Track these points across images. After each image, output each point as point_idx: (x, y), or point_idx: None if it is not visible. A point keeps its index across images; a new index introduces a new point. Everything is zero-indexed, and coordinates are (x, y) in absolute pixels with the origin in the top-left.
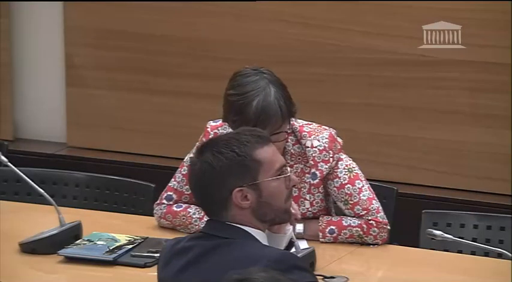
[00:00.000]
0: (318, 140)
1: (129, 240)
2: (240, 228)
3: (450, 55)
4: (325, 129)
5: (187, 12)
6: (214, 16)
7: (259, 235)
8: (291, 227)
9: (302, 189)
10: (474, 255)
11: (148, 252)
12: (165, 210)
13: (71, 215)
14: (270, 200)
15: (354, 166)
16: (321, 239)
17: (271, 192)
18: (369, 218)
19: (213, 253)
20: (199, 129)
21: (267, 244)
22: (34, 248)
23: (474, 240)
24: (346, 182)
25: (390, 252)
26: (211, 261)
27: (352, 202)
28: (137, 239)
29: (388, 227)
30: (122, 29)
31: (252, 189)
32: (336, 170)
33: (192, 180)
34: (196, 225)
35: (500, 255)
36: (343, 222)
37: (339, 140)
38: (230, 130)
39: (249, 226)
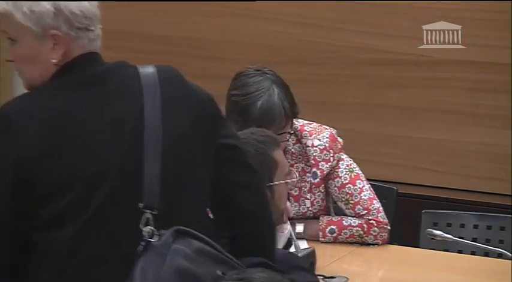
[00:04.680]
0: (319, 140)
1: None
2: None
3: (450, 55)
4: (326, 128)
5: (187, 12)
6: (214, 16)
7: None
8: (288, 226)
9: (303, 188)
10: (474, 255)
11: None
12: None
13: None
14: (278, 202)
15: (355, 166)
16: (321, 239)
17: (280, 194)
18: (370, 217)
19: None
20: None
21: None
22: None
23: (474, 240)
24: (347, 181)
25: (390, 252)
26: None
27: (353, 202)
28: None
29: (389, 227)
30: (121, 29)
31: (267, 190)
32: (337, 170)
33: None
34: None
35: (500, 255)
36: (343, 222)
37: (340, 139)
38: None
39: None
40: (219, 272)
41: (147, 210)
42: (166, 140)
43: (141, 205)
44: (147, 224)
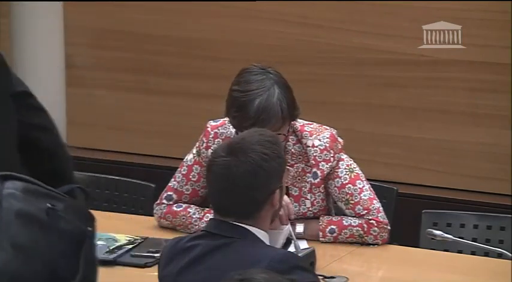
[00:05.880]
0: (319, 140)
1: (129, 240)
2: (244, 228)
3: (450, 55)
4: (326, 129)
5: (187, 12)
6: (214, 16)
7: (263, 236)
8: (287, 225)
9: (303, 188)
10: (474, 255)
11: (148, 252)
12: (165, 210)
13: None
14: (280, 201)
15: (355, 166)
16: (321, 239)
17: (283, 194)
18: (370, 217)
19: (216, 252)
20: (199, 129)
21: (269, 244)
22: None
23: (474, 240)
24: (347, 182)
25: (390, 252)
26: (214, 260)
27: (353, 202)
28: (137, 239)
29: (389, 227)
30: (121, 29)
31: (280, 189)
32: (337, 170)
33: (230, 182)
34: (196, 225)
35: (500, 255)
36: (343, 221)
37: (340, 139)
38: (231, 130)
39: (258, 227)
40: (49, 205)
41: None
42: None
43: None
44: None
